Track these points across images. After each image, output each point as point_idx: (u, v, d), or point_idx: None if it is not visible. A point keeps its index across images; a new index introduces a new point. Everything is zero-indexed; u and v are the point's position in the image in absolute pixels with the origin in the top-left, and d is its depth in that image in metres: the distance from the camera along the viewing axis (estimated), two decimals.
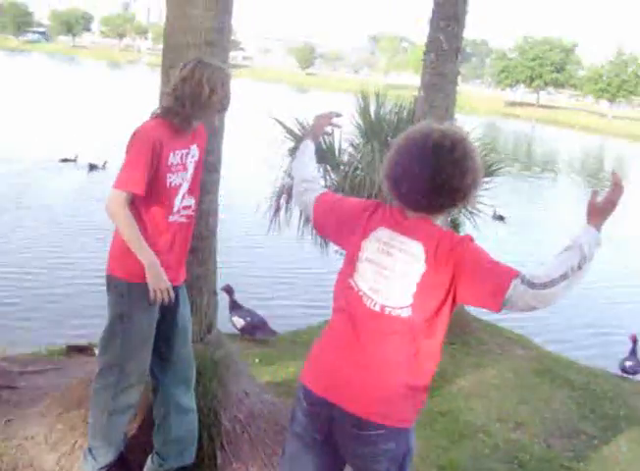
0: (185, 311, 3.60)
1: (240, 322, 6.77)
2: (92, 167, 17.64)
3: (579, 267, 2.37)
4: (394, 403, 2.51)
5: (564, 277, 2.35)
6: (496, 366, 6.52)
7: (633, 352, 7.36)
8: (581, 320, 10.40)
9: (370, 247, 2.57)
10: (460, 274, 2.43)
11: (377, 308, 2.51)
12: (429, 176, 2.43)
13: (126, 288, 3.33)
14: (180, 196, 3.37)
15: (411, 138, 2.53)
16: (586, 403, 5.99)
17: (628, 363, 7.29)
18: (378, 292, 2.51)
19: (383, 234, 2.56)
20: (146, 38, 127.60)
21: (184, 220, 3.43)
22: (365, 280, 2.55)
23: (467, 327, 7.13)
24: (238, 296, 7.04)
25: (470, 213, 7.60)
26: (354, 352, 2.53)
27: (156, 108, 3.41)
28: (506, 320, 8.64)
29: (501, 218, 16.11)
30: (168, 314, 3.47)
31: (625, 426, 5.68)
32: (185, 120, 3.31)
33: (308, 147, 3.16)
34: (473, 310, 7.48)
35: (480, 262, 2.44)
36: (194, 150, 3.43)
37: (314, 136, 3.28)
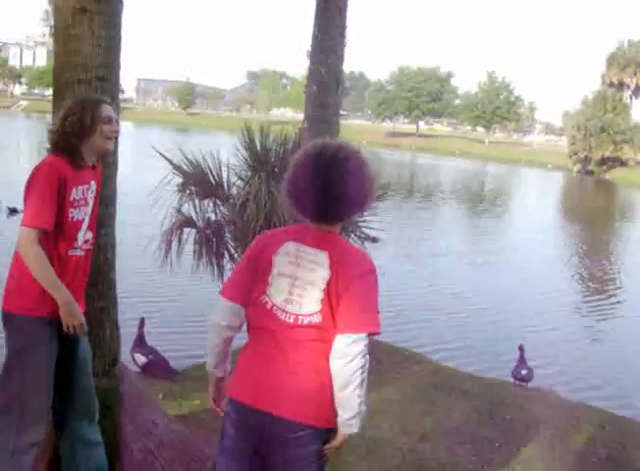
0: (84, 343, 3.59)
1: (141, 359, 6.72)
2: (12, 211, 16.16)
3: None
4: (321, 405, 2.65)
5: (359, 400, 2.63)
6: (395, 383, 6.70)
7: (523, 360, 7.69)
8: (474, 336, 10.79)
9: (280, 261, 2.69)
10: (347, 289, 2.59)
11: (291, 320, 2.64)
12: (328, 186, 2.57)
13: (23, 323, 3.32)
14: (82, 231, 3.41)
15: (308, 153, 2.67)
16: (485, 411, 6.24)
17: (524, 371, 7.59)
18: (292, 303, 2.64)
19: (291, 247, 2.69)
20: (20, 83, 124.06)
21: (83, 253, 3.46)
22: (279, 292, 2.67)
23: None
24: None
25: (358, 236, 7.80)
26: (278, 361, 2.65)
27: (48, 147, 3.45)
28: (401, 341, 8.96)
29: (374, 240, 16.41)
30: (67, 347, 3.47)
31: (523, 429, 5.95)
32: (75, 154, 3.36)
33: None
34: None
35: (363, 296, 2.61)
36: (94, 185, 3.49)
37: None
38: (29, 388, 3.36)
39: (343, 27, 7.14)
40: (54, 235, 3.27)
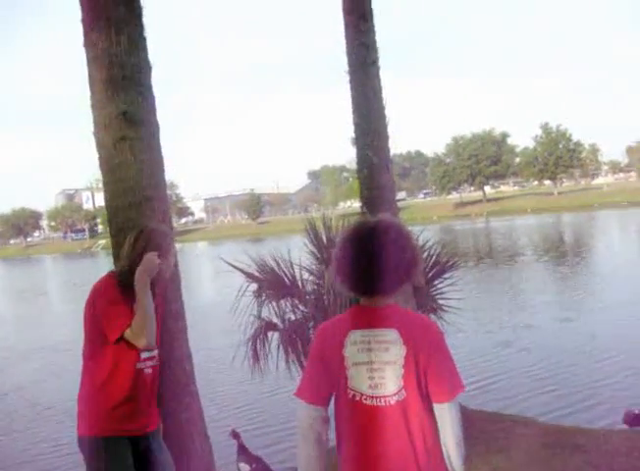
0: (163, 457, 3.62)
1: (245, 468, 6.69)
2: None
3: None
4: None
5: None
6: (504, 450, 6.48)
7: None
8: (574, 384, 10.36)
9: (351, 352, 2.70)
10: (430, 361, 2.62)
11: (382, 402, 2.64)
12: (370, 257, 2.62)
13: (99, 444, 3.40)
14: None
15: (349, 231, 2.76)
16: (602, 463, 5.95)
17: (637, 411, 7.20)
18: (377, 387, 2.65)
19: (355, 335, 2.71)
20: (96, 224, 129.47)
21: (149, 371, 3.53)
22: (361, 381, 2.68)
23: (466, 420, 7.09)
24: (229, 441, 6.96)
25: (436, 310, 7.75)
26: (383, 458, 2.63)
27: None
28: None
29: (440, 309, 15.91)
30: (145, 463, 3.52)
31: None
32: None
33: None
34: (469, 404, 7.52)
35: (445, 362, 2.66)
36: None
37: None
38: None
39: (381, 108, 7.25)
40: (121, 347, 3.38)
